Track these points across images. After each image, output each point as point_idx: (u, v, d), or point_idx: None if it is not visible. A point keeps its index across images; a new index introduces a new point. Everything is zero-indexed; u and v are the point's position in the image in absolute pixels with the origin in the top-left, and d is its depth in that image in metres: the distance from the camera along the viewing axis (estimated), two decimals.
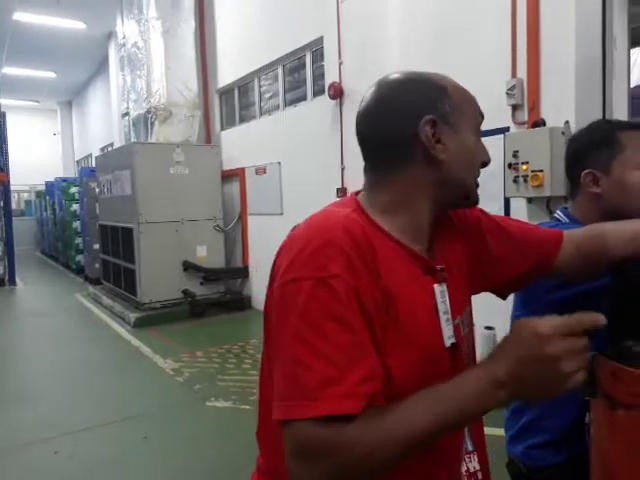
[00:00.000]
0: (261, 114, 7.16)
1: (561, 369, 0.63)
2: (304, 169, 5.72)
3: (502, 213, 3.62)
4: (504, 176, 3.44)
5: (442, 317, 0.83)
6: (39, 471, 3.07)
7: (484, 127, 3.39)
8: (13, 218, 10.69)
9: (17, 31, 10.88)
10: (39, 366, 5.13)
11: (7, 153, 10.02)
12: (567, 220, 1.30)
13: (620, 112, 3.46)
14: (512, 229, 1.01)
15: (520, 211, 3.50)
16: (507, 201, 3.61)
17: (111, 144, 12.62)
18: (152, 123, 7.37)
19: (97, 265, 9.05)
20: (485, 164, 0.89)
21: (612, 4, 3.39)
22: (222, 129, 8.06)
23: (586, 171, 1.25)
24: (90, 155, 15.71)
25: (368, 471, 0.66)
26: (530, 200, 3.42)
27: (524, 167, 3.29)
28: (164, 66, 7.37)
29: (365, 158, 0.88)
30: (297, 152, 5.97)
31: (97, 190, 8.61)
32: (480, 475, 0.96)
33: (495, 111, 3.60)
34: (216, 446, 3.22)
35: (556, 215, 1.35)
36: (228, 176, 7.48)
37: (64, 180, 12.02)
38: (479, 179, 0.89)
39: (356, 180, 3.86)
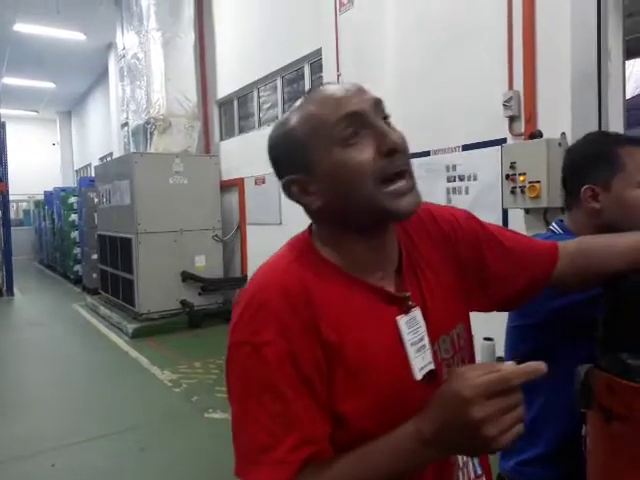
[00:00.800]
0: (260, 125, 7.20)
1: (483, 434, 0.60)
2: None
3: (500, 224, 3.63)
4: (501, 187, 3.46)
5: (409, 349, 0.79)
6: None
7: (481, 139, 3.43)
8: (12, 228, 10.69)
9: (17, 42, 10.95)
10: (36, 377, 5.10)
11: (6, 163, 10.04)
12: (561, 232, 1.29)
13: (616, 123, 3.49)
14: (509, 242, 0.98)
15: (518, 222, 3.51)
16: (505, 212, 3.62)
17: (110, 154, 12.66)
18: (151, 133, 7.40)
19: (95, 275, 9.04)
20: (390, 151, 0.74)
21: (607, 17, 3.43)
22: (221, 139, 8.09)
23: (586, 186, 1.24)
24: (89, 165, 15.75)
25: None
26: (528, 211, 3.44)
27: (521, 178, 3.30)
28: (164, 77, 7.41)
29: None
30: None
31: (96, 200, 8.62)
32: None
33: (492, 123, 3.63)
34: (213, 458, 3.20)
35: (551, 227, 1.35)
36: (227, 186, 7.50)
37: (63, 190, 12.03)
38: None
39: None
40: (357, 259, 0.81)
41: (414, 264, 0.87)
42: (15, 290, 10.36)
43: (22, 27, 10.24)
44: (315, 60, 5.85)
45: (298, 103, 0.81)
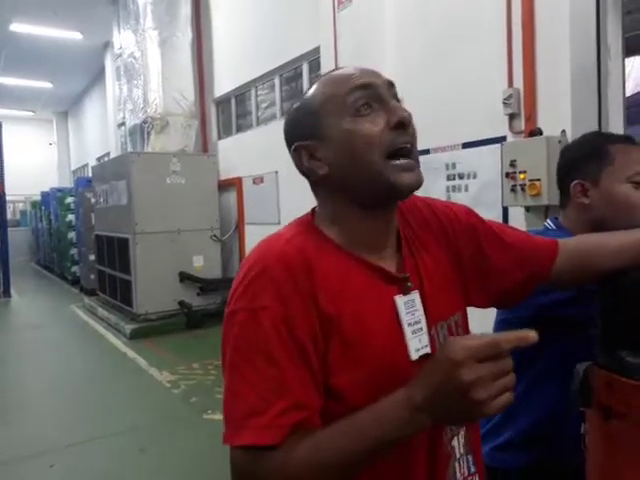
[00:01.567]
0: (258, 123, 7.18)
1: (473, 397, 0.60)
2: (301, 178, 5.67)
3: (500, 222, 3.62)
4: (502, 185, 3.44)
5: (406, 329, 0.80)
6: None
7: (481, 136, 3.41)
8: (8, 229, 10.65)
9: (14, 42, 10.92)
10: (34, 379, 5.07)
11: (2, 163, 10.00)
12: (554, 228, 1.31)
13: (616, 121, 3.48)
14: (509, 238, 0.98)
15: (518, 220, 3.50)
16: (505, 210, 3.61)
17: (107, 154, 12.63)
18: (149, 133, 7.38)
19: (93, 276, 9.01)
20: (398, 124, 0.77)
21: (606, 14, 3.42)
22: (219, 138, 8.07)
23: (575, 182, 1.26)
24: (86, 165, 15.71)
25: None
26: (528, 209, 3.42)
27: (521, 176, 3.29)
28: (161, 76, 7.39)
29: None
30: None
31: (93, 200, 8.60)
32: None
33: (492, 120, 3.61)
34: (213, 459, 3.17)
35: (545, 224, 1.37)
36: (225, 185, 7.48)
37: (60, 190, 12.01)
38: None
39: None
40: (358, 237, 0.82)
41: (413, 250, 0.88)
42: (12, 292, 10.33)
43: (18, 27, 10.22)
44: (313, 58, 5.83)
45: (319, 78, 0.85)
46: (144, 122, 7.43)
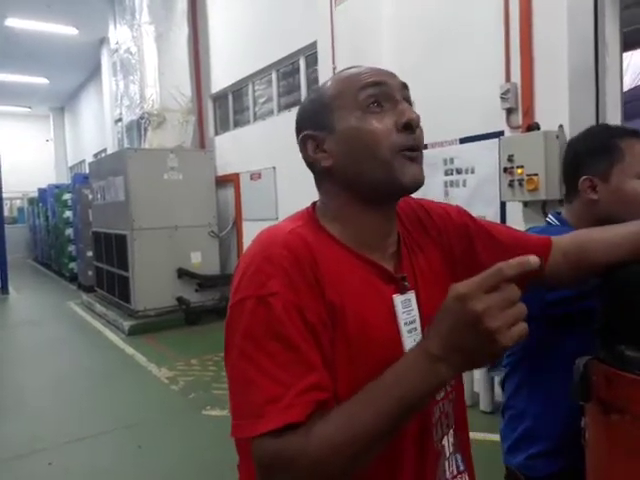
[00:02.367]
0: (255, 119, 7.15)
1: (486, 326, 0.58)
2: (299, 174, 5.67)
3: (498, 217, 3.62)
4: (499, 180, 3.44)
5: (403, 328, 0.80)
6: None
7: (479, 131, 3.42)
8: (5, 226, 10.61)
9: (9, 37, 10.84)
10: (32, 375, 5.07)
11: None
12: (557, 223, 1.30)
13: (613, 115, 3.47)
14: (501, 236, 0.98)
15: (516, 215, 3.50)
16: (503, 205, 3.60)
17: (104, 150, 12.59)
18: (145, 129, 7.35)
19: (90, 273, 8.99)
20: (406, 125, 0.78)
21: (604, 9, 3.41)
22: (216, 134, 8.04)
23: (584, 177, 1.24)
24: (83, 161, 15.65)
25: (330, 477, 0.65)
26: (526, 204, 3.42)
27: (519, 171, 3.29)
28: (157, 71, 7.35)
29: None
30: (292, 157, 5.90)
31: (90, 197, 8.57)
32: None
33: (490, 115, 3.60)
34: (211, 455, 3.18)
35: (547, 219, 1.35)
36: (222, 181, 7.46)
37: (57, 187, 11.96)
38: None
39: None
40: (359, 233, 0.83)
41: (409, 250, 0.89)
42: (10, 289, 10.31)
43: (14, 22, 10.14)
44: (310, 53, 5.80)
45: (336, 73, 0.86)
46: (141, 118, 7.40)
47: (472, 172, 3.82)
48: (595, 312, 1.05)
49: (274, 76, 6.66)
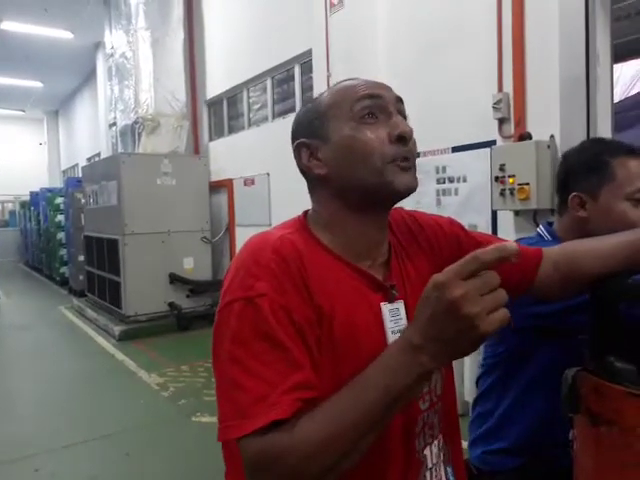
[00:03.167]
0: (250, 125, 7.16)
1: (465, 312, 0.57)
2: (293, 180, 5.67)
3: (489, 226, 3.64)
4: (491, 189, 3.46)
5: (390, 337, 0.81)
6: None
7: (471, 140, 3.43)
8: None
9: (4, 40, 10.82)
10: (20, 381, 5.02)
11: None
12: (550, 238, 1.30)
13: (604, 126, 3.51)
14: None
15: (507, 224, 3.52)
16: (494, 214, 3.62)
17: (98, 154, 12.55)
18: (139, 133, 7.34)
19: (82, 277, 8.93)
20: (399, 137, 0.79)
21: (595, 21, 3.45)
22: (210, 140, 8.05)
23: (574, 194, 1.24)
24: (76, 165, 15.60)
25: (316, 475, 0.64)
26: (517, 213, 3.44)
27: (511, 180, 3.31)
28: (152, 76, 7.36)
29: None
30: (286, 163, 5.93)
31: (83, 201, 8.53)
32: None
33: (482, 124, 3.63)
34: (200, 462, 3.15)
35: (539, 231, 1.35)
36: (216, 187, 7.45)
37: (49, 190, 11.90)
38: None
39: None
40: (350, 242, 0.84)
41: (399, 260, 0.90)
42: (0, 292, 10.21)
43: (9, 25, 10.12)
44: (305, 61, 5.83)
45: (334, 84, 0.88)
46: (135, 123, 7.40)
47: (464, 181, 3.84)
48: (580, 325, 1.06)
49: (269, 83, 6.68)
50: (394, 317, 0.83)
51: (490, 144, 3.56)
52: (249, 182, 6.78)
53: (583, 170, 1.25)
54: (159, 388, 4.54)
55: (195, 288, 6.92)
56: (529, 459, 1.23)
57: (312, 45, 5.20)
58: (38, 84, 14.41)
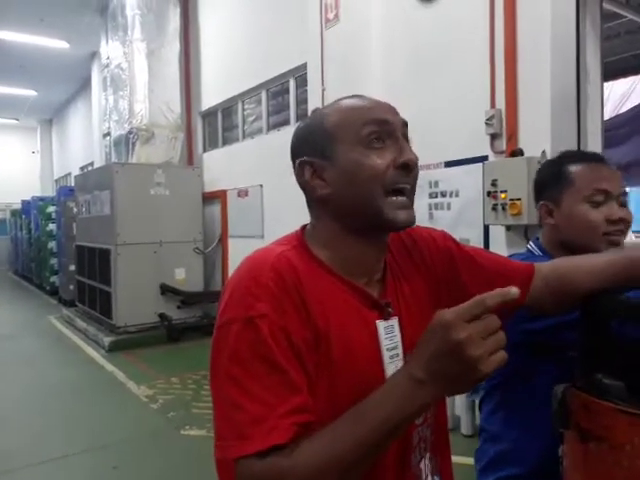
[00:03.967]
0: (244, 137, 7.19)
1: (469, 354, 0.60)
2: (286, 193, 5.72)
3: (481, 240, 3.65)
4: (483, 204, 3.49)
5: (385, 354, 0.82)
6: None
7: (463, 155, 3.46)
8: None
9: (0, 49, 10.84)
10: (7, 391, 4.94)
11: None
12: (540, 253, 1.31)
13: (594, 143, 3.56)
14: (484, 261, 1.00)
15: (499, 239, 3.54)
16: (486, 228, 3.64)
17: (91, 164, 12.52)
18: (133, 144, 7.34)
19: (72, 287, 8.86)
20: (404, 165, 0.81)
21: (586, 39, 3.51)
22: (204, 151, 8.06)
23: (540, 203, 1.31)
24: (69, 174, 15.55)
25: None
26: (509, 228, 3.46)
27: (502, 195, 3.33)
28: (147, 87, 7.38)
29: None
30: (280, 176, 5.98)
31: (75, 210, 8.49)
32: None
33: (474, 140, 3.66)
34: (189, 476, 3.12)
35: (529, 246, 1.37)
36: (209, 198, 7.45)
37: (41, 199, 11.83)
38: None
39: None
40: (347, 260, 0.84)
41: (394, 278, 0.91)
42: None
43: (5, 34, 10.14)
44: (300, 74, 5.88)
45: (337, 101, 0.88)
46: (129, 133, 7.40)
47: (456, 195, 3.86)
48: (573, 342, 1.06)
49: (264, 95, 6.72)
50: (389, 334, 0.84)
51: (482, 159, 3.59)
52: (243, 193, 6.79)
53: (548, 180, 1.31)
54: (148, 400, 4.49)
55: (186, 299, 6.88)
56: None
57: (307, 59, 5.24)
58: (32, 93, 14.40)
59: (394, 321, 0.85)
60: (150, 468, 3.28)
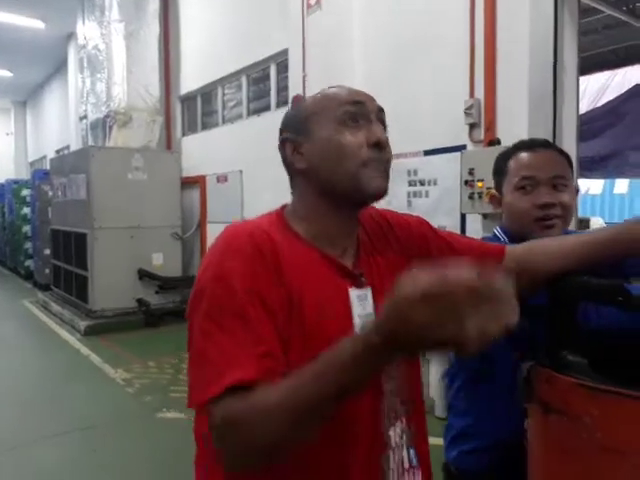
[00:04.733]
0: (224, 122, 7.13)
1: (424, 336, 0.58)
2: (266, 178, 5.71)
3: (458, 228, 3.72)
4: (460, 192, 3.54)
5: (357, 321, 0.85)
6: None
7: (442, 144, 3.51)
8: None
9: None
10: None
11: None
12: (504, 237, 1.35)
13: (569, 134, 3.63)
14: (458, 244, 1.03)
15: (475, 226, 3.60)
16: (463, 216, 3.70)
17: (67, 147, 12.27)
18: (111, 127, 7.22)
19: (47, 271, 8.73)
20: (376, 143, 0.85)
21: (563, 33, 3.57)
22: (183, 135, 7.97)
23: (490, 193, 1.38)
24: (44, 157, 15.20)
25: (275, 438, 0.67)
26: (485, 216, 3.53)
27: (479, 184, 3.39)
28: (125, 70, 7.25)
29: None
30: (259, 161, 5.96)
31: (50, 193, 8.33)
32: None
33: (453, 129, 3.71)
34: (167, 458, 3.13)
35: (495, 231, 1.40)
36: (188, 183, 7.39)
37: (15, 182, 11.57)
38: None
39: None
40: (323, 232, 0.89)
41: (367, 253, 0.94)
42: None
43: None
44: (281, 60, 5.84)
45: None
46: (107, 116, 7.27)
47: (435, 184, 3.91)
48: (530, 321, 1.11)
49: (244, 81, 6.67)
50: (362, 302, 0.87)
51: (461, 148, 3.64)
52: (222, 179, 6.75)
53: (495, 171, 1.37)
54: (125, 384, 4.48)
55: (164, 284, 6.84)
56: (506, 458, 1.20)
57: (288, 45, 5.21)
58: (7, 73, 14.00)
59: (367, 290, 0.88)
60: (127, 451, 3.28)
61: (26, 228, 10.44)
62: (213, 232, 7.00)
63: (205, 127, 7.57)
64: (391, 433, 0.89)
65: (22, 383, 4.64)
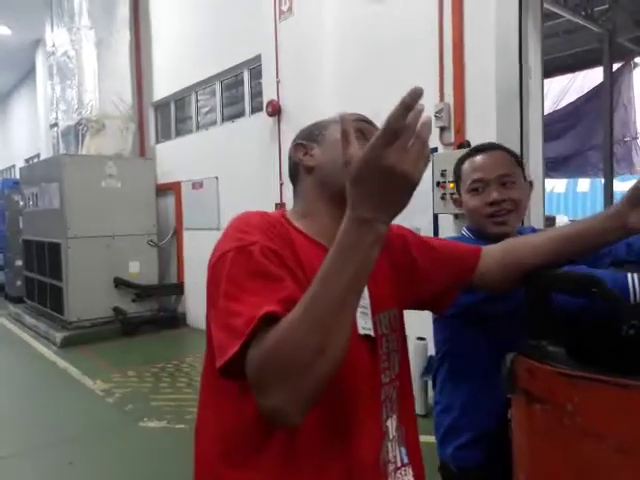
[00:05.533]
0: (198, 128, 7.11)
1: (400, 171, 0.67)
2: (242, 184, 5.72)
3: (431, 227, 3.80)
4: (433, 193, 3.63)
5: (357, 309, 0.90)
6: None
7: None
8: None
9: None
10: None
11: None
12: (470, 236, 1.41)
13: (536, 135, 3.76)
14: (435, 243, 1.12)
15: (447, 226, 3.69)
16: (436, 217, 3.79)
17: (37, 155, 12.03)
18: (83, 135, 7.13)
19: (19, 283, 8.54)
20: None
21: (527, 37, 3.69)
22: (157, 142, 7.91)
23: (453, 196, 1.44)
24: (13, 166, 14.86)
25: (305, 357, 0.67)
26: (456, 216, 3.62)
27: (451, 185, 3.47)
28: (97, 77, 7.17)
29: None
30: (235, 167, 5.97)
31: (21, 203, 8.17)
32: None
33: None
34: (148, 468, 3.12)
35: (462, 231, 1.47)
36: (163, 190, 7.34)
37: None
38: None
39: None
40: (324, 229, 0.94)
41: None
42: None
43: None
44: (254, 66, 5.87)
45: None
46: (79, 124, 7.18)
47: None
48: (506, 312, 1.17)
49: (218, 87, 6.67)
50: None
51: (432, 151, 3.73)
52: (197, 186, 6.73)
53: (454, 175, 1.47)
54: (104, 394, 4.43)
55: (141, 292, 6.78)
56: (501, 449, 1.19)
57: (261, 51, 5.25)
58: None
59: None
60: (109, 462, 3.25)
61: None
62: (189, 239, 6.98)
63: (179, 134, 7.53)
64: (389, 424, 0.95)
65: None
